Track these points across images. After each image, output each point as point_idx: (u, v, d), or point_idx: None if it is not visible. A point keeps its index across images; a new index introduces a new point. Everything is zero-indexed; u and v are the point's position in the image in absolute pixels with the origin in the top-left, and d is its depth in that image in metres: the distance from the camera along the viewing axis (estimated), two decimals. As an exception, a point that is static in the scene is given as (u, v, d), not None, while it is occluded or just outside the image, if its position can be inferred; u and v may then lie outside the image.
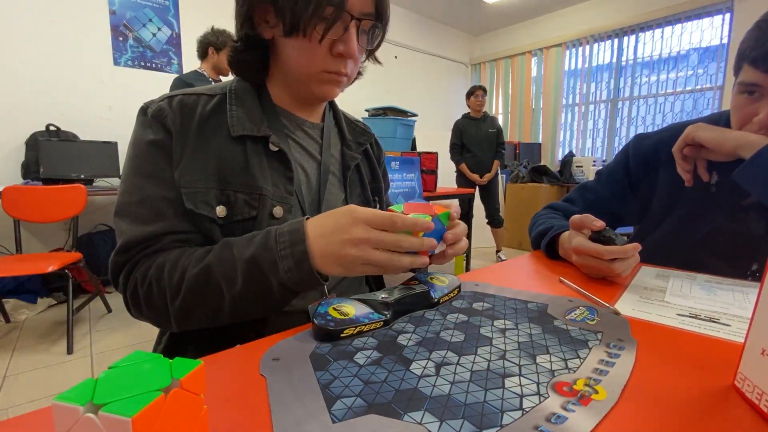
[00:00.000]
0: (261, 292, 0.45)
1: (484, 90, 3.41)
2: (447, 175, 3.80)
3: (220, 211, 0.52)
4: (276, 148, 0.56)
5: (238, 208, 0.53)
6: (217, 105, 0.56)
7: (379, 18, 0.54)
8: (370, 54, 0.61)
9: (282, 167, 0.57)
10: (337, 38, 0.52)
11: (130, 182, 0.52)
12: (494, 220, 3.55)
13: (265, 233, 0.46)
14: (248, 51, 0.57)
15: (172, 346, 0.57)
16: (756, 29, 0.61)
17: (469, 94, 3.45)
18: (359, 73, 0.64)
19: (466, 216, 3.05)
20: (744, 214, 0.70)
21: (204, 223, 0.52)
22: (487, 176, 3.40)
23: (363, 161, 0.71)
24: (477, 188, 3.46)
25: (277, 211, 0.55)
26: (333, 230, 0.43)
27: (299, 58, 0.54)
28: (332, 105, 0.70)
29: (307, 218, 0.45)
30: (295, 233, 0.44)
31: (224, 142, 0.54)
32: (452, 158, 3.50)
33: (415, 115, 3.10)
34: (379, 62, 0.64)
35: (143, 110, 0.54)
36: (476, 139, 3.40)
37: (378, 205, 0.72)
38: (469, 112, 3.49)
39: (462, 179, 3.47)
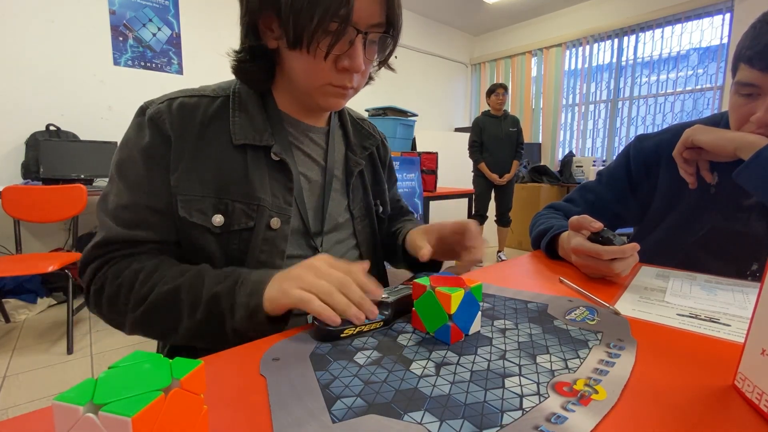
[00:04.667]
0: (216, 328, 0.46)
1: (505, 88, 3.37)
2: (456, 174, 3.79)
3: (218, 220, 0.52)
4: (278, 158, 0.55)
5: (236, 217, 0.52)
6: (219, 109, 0.55)
7: (389, 28, 0.52)
8: (382, 64, 0.59)
9: (283, 177, 0.56)
10: (342, 53, 0.50)
11: (117, 184, 0.52)
12: (503, 219, 3.54)
13: (237, 276, 0.46)
14: (253, 60, 0.55)
15: (174, 346, 0.57)
16: (751, 30, 0.62)
17: (489, 93, 3.39)
18: (371, 78, 0.62)
19: (467, 216, 3.05)
20: (744, 214, 0.70)
21: (196, 233, 0.52)
22: (507, 176, 3.37)
23: (367, 164, 0.70)
24: (493, 187, 3.45)
25: (275, 222, 0.55)
26: (298, 265, 0.45)
27: (303, 71, 0.52)
28: None
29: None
30: (256, 284, 0.44)
31: (225, 149, 0.53)
32: (471, 156, 3.44)
33: (415, 115, 3.10)
34: (392, 69, 0.62)
35: (142, 110, 0.53)
36: (496, 138, 3.36)
37: (382, 207, 0.71)
38: (489, 110, 3.43)
39: (480, 179, 3.43)
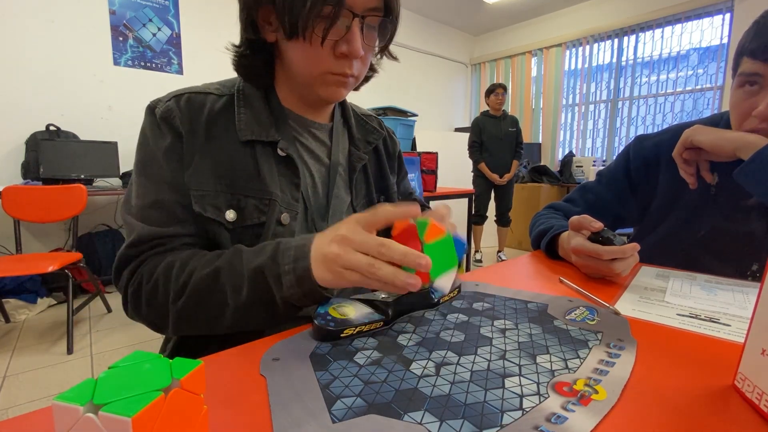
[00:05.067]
0: (265, 304, 0.44)
1: (505, 88, 3.37)
2: (456, 174, 3.80)
3: (231, 215, 0.52)
4: (284, 154, 0.56)
5: (248, 213, 0.53)
6: (226, 106, 0.56)
7: (387, 12, 0.51)
8: (383, 50, 0.58)
9: (289, 173, 0.57)
10: (340, 38, 0.49)
11: (143, 185, 0.52)
12: (503, 219, 3.54)
13: (275, 245, 0.45)
14: (253, 56, 0.55)
15: (175, 347, 0.57)
16: (754, 25, 0.62)
17: (488, 92, 3.38)
18: (374, 70, 0.62)
19: (467, 216, 3.05)
20: (744, 214, 0.70)
21: (211, 227, 0.52)
22: (507, 176, 3.37)
23: (371, 158, 0.69)
24: (493, 187, 3.45)
25: (284, 218, 0.55)
26: (329, 231, 0.42)
27: (302, 60, 0.52)
28: (341, 102, 0.68)
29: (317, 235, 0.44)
30: (300, 249, 0.43)
31: (234, 145, 0.54)
32: (471, 156, 3.43)
33: (415, 115, 3.10)
34: (394, 58, 0.61)
35: (151, 109, 0.54)
36: (496, 138, 3.35)
37: (389, 202, 0.71)
38: (488, 110, 3.43)
39: (480, 179, 3.42)
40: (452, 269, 0.39)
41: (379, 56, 0.60)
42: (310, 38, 0.49)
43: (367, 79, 0.63)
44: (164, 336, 0.59)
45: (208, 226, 0.52)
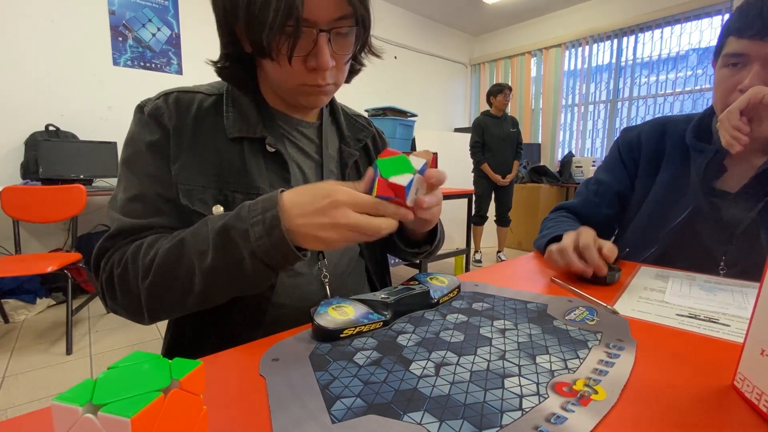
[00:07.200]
0: (232, 265, 0.43)
1: (510, 88, 3.38)
2: (456, 174, 3.79)
3: (218, 210, 0.52)
4: (273, 149, 0.56)
5: (235, 207, 0.53)
6: (214, 105, 0.56)
7: (356, 21, 0.49)
8: (360, 52, 0.57)
9: (278, 168, 0.57)
10: (307, 53, 0.49)
11: (126, 180, 0.52)
12: (503, 219, 3.54)
13: (240, 206, 0.44)
14: (233, 65, 0.56)
15: (175, 347, 0.57)
16: (738, 9, 0.65)
17: (496, 92, 3.34)
18: (361, 64, 0.62)
19: (467, 216, 3.05)
20: (719, 200, 0.71)
21: (198, 220, 0.52)
22: (509, 177, 3.37)
23: (362, 156, 0.69)
24: (494, 188, 3.45)
25: None
26: (312, 212, 0.40)
27: (276, 74, 0.52)
28: (330, 101, 0.68)
29: (282, 191, 0.43)
30: (267, 201, 0.42)
31: (222, 142, 0.54)
32: (473, 157, 3.41)
33: (414, 115, 3.10)
34: (377, 55, 0.61)
35: (140, 108, 0.55)
36: (499, 138, 3.34)
37: None
38: (488, 110, 3.41)
39: (481, 180, 3.40)
40: (407, 173, 0.41)
41: (362, 54, 0.59)
42: (278, 57, 0.48)
43: (355, 71, 0.62)
44: (163, 337, 0.59)
45: (194, 218, 0.52)
